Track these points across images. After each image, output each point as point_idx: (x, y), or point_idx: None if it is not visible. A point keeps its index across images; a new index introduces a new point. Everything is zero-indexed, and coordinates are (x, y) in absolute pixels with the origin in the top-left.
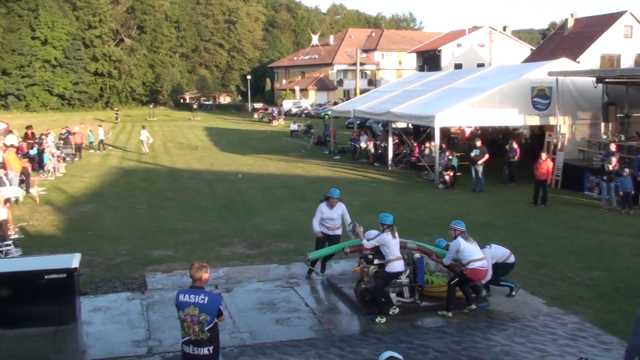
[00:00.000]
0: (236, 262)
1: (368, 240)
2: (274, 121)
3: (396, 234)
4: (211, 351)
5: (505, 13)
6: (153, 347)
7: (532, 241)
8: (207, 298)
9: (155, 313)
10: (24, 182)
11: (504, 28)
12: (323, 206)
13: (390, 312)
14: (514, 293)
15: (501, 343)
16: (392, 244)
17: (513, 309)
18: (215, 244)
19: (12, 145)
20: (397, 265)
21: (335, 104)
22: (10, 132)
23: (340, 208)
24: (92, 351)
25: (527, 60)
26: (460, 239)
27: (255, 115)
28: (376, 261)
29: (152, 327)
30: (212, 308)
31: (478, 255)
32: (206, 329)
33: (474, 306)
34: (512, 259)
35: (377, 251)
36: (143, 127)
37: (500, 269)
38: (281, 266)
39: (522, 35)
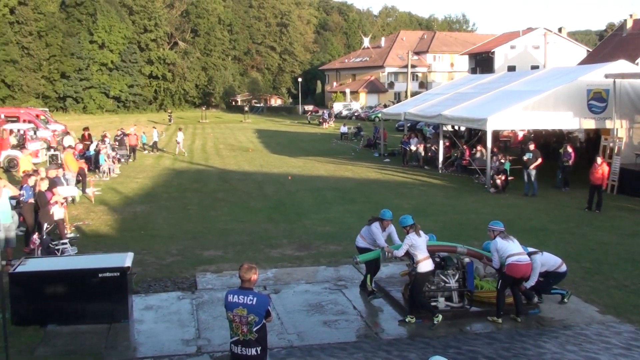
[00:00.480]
0: (285, 263)
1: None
2: (324, 124)
3: (420, 232)
4: (259, 352)
5: (561, 14)
6: (202, 347)
7: (586, 247)
8: (255, 299)
9: (205, 313)
10: (80, 182)
11: (560, 29)
12: (378, 228)
13: (407, 320)
14: (566, 300)
15: (552, 351)
16: (419, 242)
17: (565, 317)
18: (265, 245)
19: (69, 146)
20: (426, 265)
21: (386, 106)
22: (68, 133)
23: (390, 229)
24: (143, 349)
25: (584, 62)
26: (497, 239)
27: (308, 116)
28: None
29: (201, 326)
30: (261, 309)
31: (515, 250)
32: (254, 329)
33: (519, 319)
34: (563, 267)
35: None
36: (180, 129)
37: (551, 277)
38: (329, 268)
39: (578, 36)
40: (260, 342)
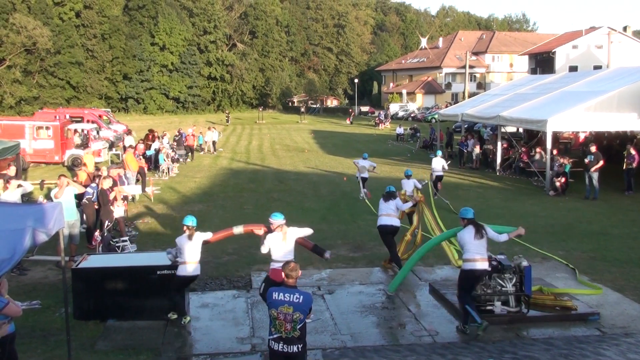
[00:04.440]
0: (339, 264)
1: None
2: (380, 125)
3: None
4: (300, 349)
5: (626, 12)
6: (256, 345)
7: None
8: (301, 297)
9: (260, 311)
10: (140, 181)
11: (625, 28)
12: None
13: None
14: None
15: (612, 359)
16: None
17: (627, 324)
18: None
19: (130, 146)
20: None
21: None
22: (129, 133)
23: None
24: (198, 346)
25: None
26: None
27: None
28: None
29: (255, 325)
30: (306, 307)
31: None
32: (298, 327)
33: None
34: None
35: None
36: (209, 128)
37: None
38: (383, 270)
39: None
40: (302, 340)
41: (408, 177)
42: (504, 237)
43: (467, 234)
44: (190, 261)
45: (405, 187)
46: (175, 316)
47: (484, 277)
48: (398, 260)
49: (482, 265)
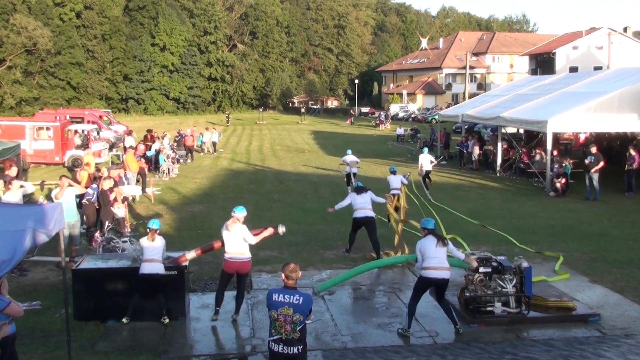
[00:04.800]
0: (339, 264)
1: None
2: (380, 125)
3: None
4: (300, 350)
5: (627, 13)
6: (257, 346)
7: None
8: (301, 298)
9: (260, 312)
10: (140, 182)
11: (625, 29)
12: None
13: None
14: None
15: None
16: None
17: (627, 325)
18: (319, 247)
19: (130, 147)
20: (143, 267)
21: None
22: (130, 134)
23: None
24: (199, 346)
25: None
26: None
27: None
28: (482, 269)
29: (256, 325)
30: (306, 308)
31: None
32: (298, 328)
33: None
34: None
35: (484, 259)
36: (207, 129)
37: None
38: (384, 270)
39: None
40: (302, 341)
41: (393, 173)
42: (462, 255)
43: (429, 242)
44: (150, 259)
45: (393, 183)
46: (167, 320)
47: (447, 285)
48: (352, 242)
49: (442, 273)
